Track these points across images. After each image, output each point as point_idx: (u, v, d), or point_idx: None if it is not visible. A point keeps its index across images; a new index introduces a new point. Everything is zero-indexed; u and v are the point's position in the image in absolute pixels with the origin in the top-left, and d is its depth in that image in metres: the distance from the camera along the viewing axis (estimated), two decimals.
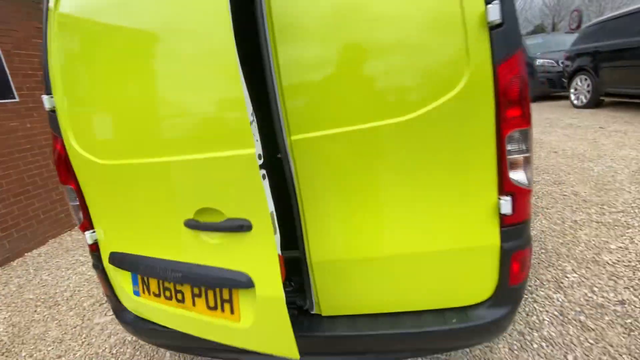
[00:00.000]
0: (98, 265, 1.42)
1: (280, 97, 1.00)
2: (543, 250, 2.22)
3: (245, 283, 1.05)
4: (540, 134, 5.28)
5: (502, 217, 1.02)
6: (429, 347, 1.15)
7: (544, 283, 1.92)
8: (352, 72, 0.98)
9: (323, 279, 1.14)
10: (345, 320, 1.17)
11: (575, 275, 1.94)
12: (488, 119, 0.95)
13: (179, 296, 1.22)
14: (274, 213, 1.00)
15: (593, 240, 2.24)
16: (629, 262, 1.96)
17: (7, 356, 2.06)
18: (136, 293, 1.35)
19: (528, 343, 1.56)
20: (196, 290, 1.18)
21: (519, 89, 0.93)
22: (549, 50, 8.86)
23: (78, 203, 1.34)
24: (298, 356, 1.04)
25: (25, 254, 3.64)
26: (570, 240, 2.29)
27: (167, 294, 1.25)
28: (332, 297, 1.17)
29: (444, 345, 1.15)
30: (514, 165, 0.99)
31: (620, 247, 2.11)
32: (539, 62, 8.50)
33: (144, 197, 1.19)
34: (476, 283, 1.10)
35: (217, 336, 1.19)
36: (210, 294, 1.16)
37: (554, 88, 8.25)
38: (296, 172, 1.06)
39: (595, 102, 6.44)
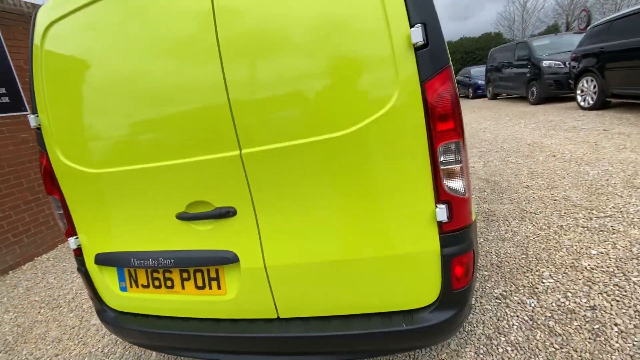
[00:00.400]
0: (81, 268, 1.54)
1: (230, 113, 1.10)
2: (524, 256, 2.23)
3: (231, 259, 1.22)
4: (542, 137, 5.22)
5: (440, 224, 1.08)
6: (378, 349, 1.20)
7: (519, 288, 1.93)
8: (293, 91, 1.06)
9: (277, 282, 1.22)
10: (299, 322, 1.24)
11: (551, 280, 1.94)
12: (420, 133, 1.02)
13: (168, 283, 1.35)
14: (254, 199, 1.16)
15: (575, 245, 2.24)
16: (607, 267, 1.96)
17: (10, 354, 2.21)
18: (123, 289, 1.47)
19: (494, 347, 1.58)
20: (185, 275, 1.33)
21: (447, 104, 0.99)
22: (557, 51, 8.74)
23: (62, 212, 1.47)
24: (276, 315, 1.26)
25: (35, 258, 3.85)
26: (553, 245, 2.29)
27: (157, 283, 1.37)
28: (287, 300, 1.24)
29: (393, 347, 1.20)
30: (448, 176, 1.05)
31: (601, 253, 2.10)
32: (545, 63, 8.39)
33: (134, 199, 1.32)
34: (420, 287, 1.15)
35: (204, 312, 1.35)
36: (199, 275, 1.31)
37: (561, 90, 8.12)
38: (248, 183, 1.15)
39: (601, 104, 6.31)
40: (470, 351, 1.59)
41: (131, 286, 1.44)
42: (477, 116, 8.82)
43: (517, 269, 2.11)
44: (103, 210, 1.40)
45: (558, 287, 1.88)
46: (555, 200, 2.98)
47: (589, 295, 1.77)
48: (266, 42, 1.05)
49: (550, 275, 1.99)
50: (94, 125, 1.30)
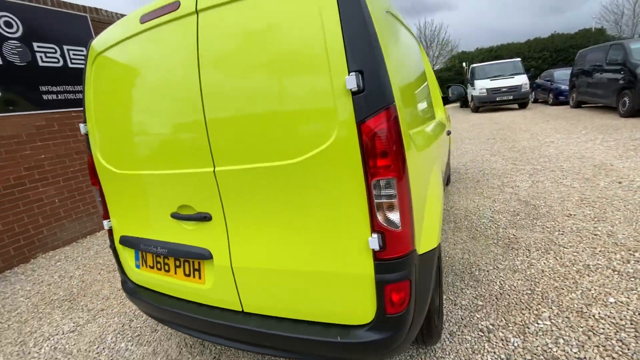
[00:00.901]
0: (112, 245, 1.93)
1: (207, 138, 1.32)
2: (529, 292, 2.10)
3: (207, 256, 1.46)
4: (615, 159, 4.57)
5: (374, 252, 1.16)
6: (318, 354, 1.33)
7: (509, 325, 1.85)
8: (254, 125, 1.23)
9: (241, 280, 1.42)
10: (257, 318, 1.43)
11: (547, 323, 1.82)
12: (357, 168, 1.11)
13: (166, 267, 1.65)
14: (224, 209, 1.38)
15: (594, 289, 2.03)
16: (619, 320, 1.76)
17: (72, 303, 2.81)
18: (137, 266, 1.82)
19: None
20: (177, 262, 1.61)
21: (381, 144, 1.07)
22: None
23: (101, 200, 1.86)
24: (241, 308, 1.47)
25: None
26: (568, 285, 2.10)
27: (158, 266, 1.69)
28: (249, 297, 1.44)
29: (329, 355, 1.31)
30: (382, 209, 1.13)
31: (621, 302, 1.88)
32: None
33: (143, 196, 1.65)
34: (357, 306, 1.24)
35: (190, 296, 1.62)
36: (186, 264, 1.58)
37: None
38: (220, 195, 1.36)
39: None
40: None
41: (142, 265, 1.77)
42: (548, 127, 7.93)
43: (516, 304, 2.00)
44: (124, 202, 1.75)
45: (552, 331, 1.76)
46: (595, 234, 2.67)
47: (583, 346, 1.63)
48: (236, 89, 1.24)
49: (549, 316, 1.86)
50: (119, 137, 1.64)
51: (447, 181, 4.28)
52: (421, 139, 1.52)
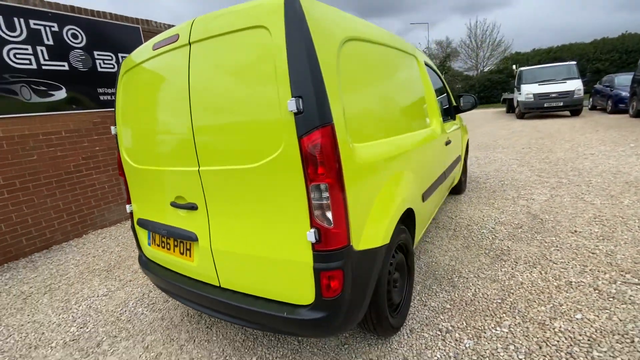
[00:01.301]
0: (132, 226, 2.35)
1: (194, 143, 1.64)
2: (499, 301, 2.17)
3: (194, 238, 1.79)
4: None
5: (312, 244, 1.40)
6: (271, 326, 1.59)
7: (468, 328, 1.96)
8: (226, 134, 1.53)
9: (218, 260, 1.73)
10: (229, 292, 1.73)
11: (505, 330, 1.90)
12: (298, 173, 1.35)
13: (167, 246, 2.02)
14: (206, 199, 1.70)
15: (567, 305, 2.05)
16: (578, 335, 1.79)
17: (108, 273, 3.35)
18: (149, 244, 2.22)
19: None
20: (175, 242, 1.97)
21: (316, 155, 1.31)
22: None
23: (125, 188, 2.29)
24: (218, 284, 1.77)
25: None
26: (541, 299, 2.14)
27: (162, 244, 2.07)
28: (223, 275, 1.74)
29: (280, 328, 1.56)
30: (317, 209, 1.36)
31: (587, 320, 1.90)
32: None
33: (152, 187, 2.03)
34: (302, 288, 1.48)
35: (184, 271, 1.96)
36: (181, 244, 1.93)
37: None
38: (203, 189, 1.68)
39: None
40: None
41: (152, 243, 2.16)
42: (594, 137, 7.36)
43: (482, 311, 2.09)
44: (140, 191, 2.15)
45: (507, 337, 1.84)
46: (593, 253, 2.61)
47: (530, 355, 1.71)
48: (213, 104, 1.55)
49: (509, 325, 1.94)
50: (136, 138, 2.04)
51: (457, 189, 4.29)
52: (379, 150, 1.72)
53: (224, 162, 1.57)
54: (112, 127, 2.21)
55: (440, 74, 3.59)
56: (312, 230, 1.38)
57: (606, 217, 3.23)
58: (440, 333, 1.95)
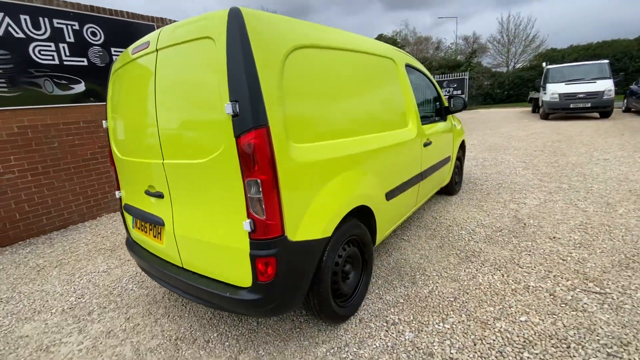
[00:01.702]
0: (121, 211, 2.62)
1: (159, 138, 1.84)
2: (452, 299, 2.24)
3: (161, 223, 2.01)
4: None
5: (249, 233, 1.56)
6: (219, 304, 1.77)
7: (413, 322, 2.06)
8: (181, 132, 1.72)
9: (180, 244, 1.93)
10: (188, 273, 1.93)
11: (447, 326, 1.99)
12: (237, 169, 1.52)
13: (145, 229, 2.26)
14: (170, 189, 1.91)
15: (515, 307, 2.10)
16: (517, 336, 1.85)
17: (111, 252, 3.69)
18: (133, 227, 2.48)
19: (343, 352, 1.88)
20: (150, 226, 2.20)
21: (250, 154, 1.46)
22: None
23: (115, 175, 2.55)
24: (181, 265, 1.99)
25: None
26: (494, 300, 2.19)
27: (142, 228, 2.31)
28: (185, 257, 1.94)
29: (225, 306, 1.75)
30: (252, 201, 1.52)
31: (531, 322, 1.95)
32: None
33: (133, 176, 2.27)
34: (242, 272, 1.65)
35: (157, 252, 2.20)
36: (154, 228, 2.15)
37: None
38: (167, 180, 1.88)
39: None
40: (323, 345, 1.94)
41: (135, 226, 2.41)
42: (615, 142, 7.01)
43: (433, 307, 2.18)
44: (124, 178, 2.40)
45: (446, 333, 1.93)
46: (563, 260, 2.61)
47: (462, 350, 1.80)
48: (172, 104, 1.74)
49: (452, 322, 2.02)
50: (120, 132, 2.28)
51: (449, 190, 4.30)
52: (325, 150, 1.84)
53: (182, 157, 1.76)
54: (104, 122, 2.47)
55: (430, 76, 3.61)
56: (248, 220, 1.54)
57: (592, 225, 3.16)
58: (386, 324, 2.07)
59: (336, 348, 1.92)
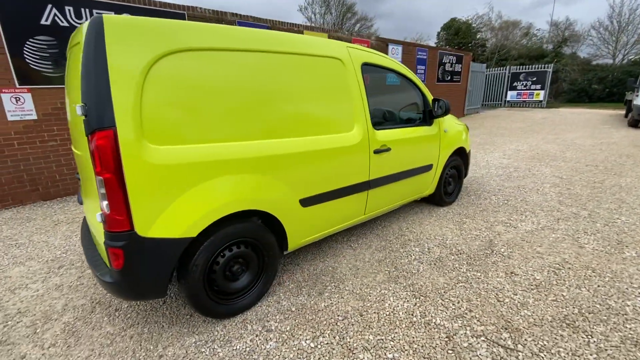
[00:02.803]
0: None
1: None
2: (341, 318, 2.14)
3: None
4: None
5: (103, 224, 1.72)
6: (100, 282, 2.00)
7: (284, 333, 2.04)
8: (78, 126, 1.92)
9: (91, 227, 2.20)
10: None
11: (312, 344, 1.93)
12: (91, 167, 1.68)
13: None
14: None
15: (393, 342, 1.93)
16: (476, 334, 1.73)
17: None
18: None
19: (205, 346, 1.98)
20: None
21: (95, 152, 1.60)
22: None
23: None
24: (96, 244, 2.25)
25: None
26: (381, 330, 2.05)
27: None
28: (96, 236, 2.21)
29: (101, 286, 1.97)
30: (100, 197, 1.66)
31: None
32: None
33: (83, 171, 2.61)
34: (105, 258, 1.84)
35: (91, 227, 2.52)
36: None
37: None
38: (82, 169, 2.14)
39: None
40: (196, 336, 2.05)
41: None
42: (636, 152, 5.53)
43: (317, 322, 2.13)
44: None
45: (305, 351, 1.89)
46: (499, 300, 2.27)
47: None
48: (76, 102, 1.95)
49: (320, 342, 1.96)
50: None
51: (435, 201, 3.96)
52: (199, 152, 1.85)
53: (79, 149, 1.99)
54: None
55: (410, 76, 3.27)
56: (99, 213, 1.70)
57: (572, 267, 2.65)
58: (261, 329, 2.09)
59: (203, 342, 2.02)
